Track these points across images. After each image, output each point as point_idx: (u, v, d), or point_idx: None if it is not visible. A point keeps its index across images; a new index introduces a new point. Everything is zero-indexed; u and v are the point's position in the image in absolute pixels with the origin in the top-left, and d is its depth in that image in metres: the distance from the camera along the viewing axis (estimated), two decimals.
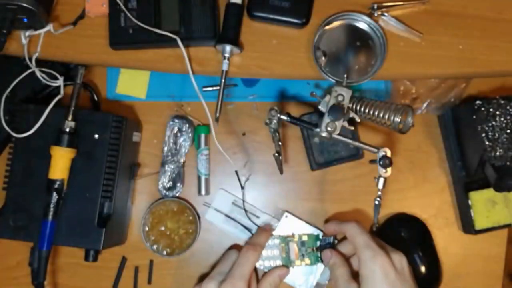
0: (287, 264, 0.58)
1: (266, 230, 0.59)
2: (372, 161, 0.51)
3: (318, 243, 0.59)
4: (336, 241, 0.58)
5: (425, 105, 0.62)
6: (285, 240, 0.59)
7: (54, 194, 0.53)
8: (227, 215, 0.62)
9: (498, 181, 0.56)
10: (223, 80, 0.54)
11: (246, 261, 0.54)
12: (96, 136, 0.55)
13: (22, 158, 0.55)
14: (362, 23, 0.55)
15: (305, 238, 0.59)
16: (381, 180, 0.50)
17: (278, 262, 0.58)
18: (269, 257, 0.58)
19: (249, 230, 0.62)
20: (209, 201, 0.63)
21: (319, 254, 0.58)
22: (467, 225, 0.62)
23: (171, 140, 0.61)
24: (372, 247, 0.50)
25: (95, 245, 0.54)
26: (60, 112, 0.54)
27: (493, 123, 0.56)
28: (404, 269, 0.50)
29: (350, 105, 0.51)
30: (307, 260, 0.59)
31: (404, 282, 0.49)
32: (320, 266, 0.60)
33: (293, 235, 0.60)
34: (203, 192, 0.62)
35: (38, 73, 0.56)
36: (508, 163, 0.56)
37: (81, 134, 0.55)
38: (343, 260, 0.54)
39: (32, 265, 0.54)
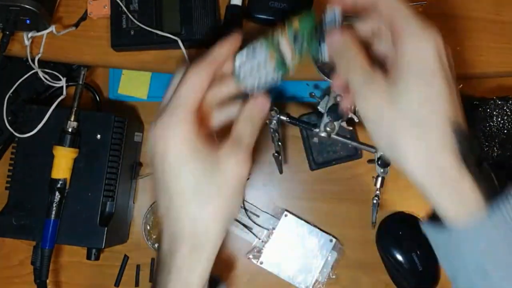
0: (284, 71, 0.41)
1: (228, 41, 0.40)
2: (371, 161, 0.52)
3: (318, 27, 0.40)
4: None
5: None
6: (272, 41, 0.40)
7: (57, 193, 0.53)
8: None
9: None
10: None
11: (185, 82, 0.37)
12: (98, 136, 0.55)
13: (25, 158, 0.55)
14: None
15: (296, 25, 0.39)
16: (380, 179, 0.50)
17: (271, 77, 0.41)
18: (256, 75, 0.40)
19: (249, 229, 0.62)
20: None
21: (319, 43, 0.39)
22: None
23: None
24: (421, 17, 0.34)
25: (97, 244, 0.54)
26: (62, 113, 0.55)
27: (490, 123, 0.57)
28: (450, 55, 0.36)
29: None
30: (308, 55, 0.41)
31: (453, 73, 0.35)
32: (319, 263, 0.60)
33: (280, 29, 0.40)
34: None
35: (40, 74, 0.56)
36: (505, 163, 0.57)
37: (84, 134, 0.55)
38: (358, 42, 0.37)
39: (35, 264, 0.54)
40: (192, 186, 0.36)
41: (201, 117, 0.38)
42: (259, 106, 0.40)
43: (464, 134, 0.34)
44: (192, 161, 0.36)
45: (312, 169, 0.63)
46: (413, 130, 0.34)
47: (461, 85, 0.62)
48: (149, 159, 0.39)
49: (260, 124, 0.40)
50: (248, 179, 0.63)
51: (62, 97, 0.57)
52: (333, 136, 0.50)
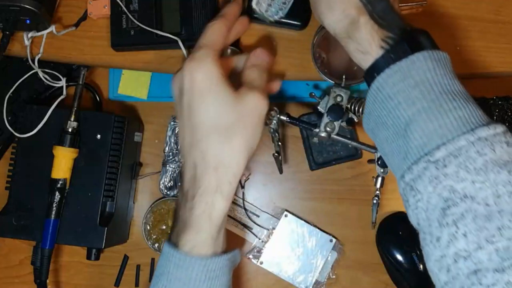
0: None
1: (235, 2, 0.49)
2: (371, 161, 0.52)
3: None
4: None
5: None
6: None
7: (57, 193, 0.54)
8: (227, 214, 0.63)
9: None
10: None
11: (208, 30, 0.45)
12: (98, 136, 0.55)
13: (25, 158, 0.55)
14: None
15: None
16: (380, 179, 0.50)
17: (282, 1, 0.51)
18: (273, 5, 0.50)
19: (249, 229, 0.62)
20: None
21: None
22: None
23: (172, 140, 0.62)
24: None
25: (97, 244, 0.55)
26: (62, 113, 0.55)
27: None
28: None
29: (349, 106, 0.51)
30: None
31: None
32: (319, 263, 0.61)
33: None
34: None
35: (40, 74, 0.56)
36: None
37: (84, 134, 0.55)
38: None
39: (35, 264, 0.54)
40: (216, 115, 0.41)
41: (221, 64, 0.43)
42: (260, 54, 0.47)
43: None
44: (217, 92, 0.41)
45: (312, 169, 0.63)
46: None
47: None
48: (177, 96, 0.43)
49: (265, 70, 0.46)
50: (248, 179, 0.63)
51: (62, 97, 0.57)
52: (333, 136, 0.50)
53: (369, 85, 0.39)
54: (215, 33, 0.45)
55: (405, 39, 0.38)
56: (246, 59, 0.47)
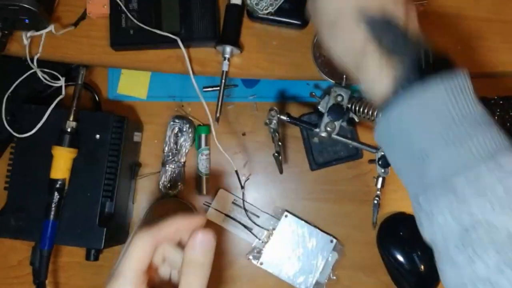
0: None
1: (180, 220, 0.37)
2: (371, 161, 0.51)
3: None
4: None
5: None
6: None
7: (56, 193, 0.53)
8: (227, 215, 0.62)
9: None
10: (223, 81, 0.54)
11: (130, 249, 0.35)
12: (97, 136, 0.55)
13: (24, 158, 0.55)
14: None
15: None
16: (380, 180, 0.50)
17: None
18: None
19: (249, 229, 0.62)
20: (209, 200, 0.63)
21: None
22: None
23: (172, 140, 0.62)
24: None
25: (96, 245, 0.54)
26: (61, 113, 0.55)
27: None
28: None
29: (349, 106, 0.51)
30: None
31: None
32: (320, 264, 0.60)
33: None
34: (203, 191, 0.62)
35: (39, 74, 0.56)
36: None
37: (83, 134, 0.55)
38: None
39: (34, 264, 0.54)
40: None
41: (150, 274, 0.36)
42: (199, 246, 0.36)
43: (378, 21, 0.37)
44: None
45: (312, 169, 0.62)
46: (329, 26, 0.41)
47: None
48: None
49: (208, 266, 0.35)
50: (248, 179, 0.63)
51: (61, 97, 0.57)
52: (334, 136, 0.50)
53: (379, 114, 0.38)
54: (137, 255, 0.34)
55: (416, 69, 0.36)
56: (187, 248, 0.35)
